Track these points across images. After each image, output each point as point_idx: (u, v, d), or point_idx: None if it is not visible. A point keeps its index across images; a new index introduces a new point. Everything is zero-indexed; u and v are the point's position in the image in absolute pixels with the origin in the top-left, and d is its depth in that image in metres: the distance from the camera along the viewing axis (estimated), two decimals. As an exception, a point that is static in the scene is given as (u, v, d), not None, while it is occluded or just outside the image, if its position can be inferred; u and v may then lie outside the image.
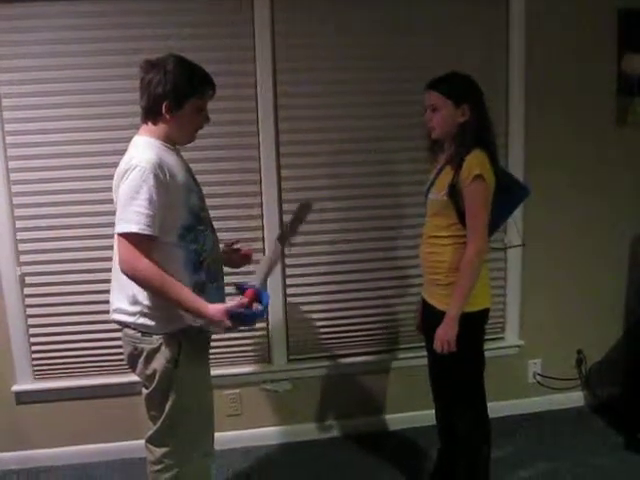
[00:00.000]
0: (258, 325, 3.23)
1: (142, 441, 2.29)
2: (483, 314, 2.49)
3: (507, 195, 2.47)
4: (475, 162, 2.32)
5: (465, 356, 2.44)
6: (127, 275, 2.03)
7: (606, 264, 3.52)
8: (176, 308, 2.07)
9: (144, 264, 2.00)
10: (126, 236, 2.00)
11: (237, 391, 3.30)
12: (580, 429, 3.42)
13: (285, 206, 3.17)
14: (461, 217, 2.38)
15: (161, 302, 2.08)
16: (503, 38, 3.22)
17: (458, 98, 2.36)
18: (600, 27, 3.29)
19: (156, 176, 2.01)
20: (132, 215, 1.98)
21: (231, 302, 2.09)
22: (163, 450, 2.22)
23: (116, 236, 2.05)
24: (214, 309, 2.04)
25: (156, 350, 2.13)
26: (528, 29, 3.20)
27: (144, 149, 2.07)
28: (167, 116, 2.10)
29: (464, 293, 2.36)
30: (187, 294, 2.05)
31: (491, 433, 2.56)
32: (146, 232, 1.99)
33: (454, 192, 2.36)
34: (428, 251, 2.53)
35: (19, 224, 3.00)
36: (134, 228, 1.98)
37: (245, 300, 2.09)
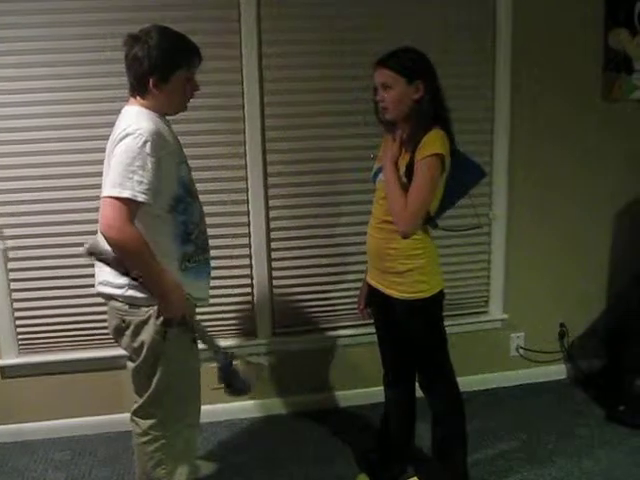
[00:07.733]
0: (243, 299, 3.27)
1: (127, 414, 2.30)
2: (439, 296, 2.42)
3: (463, 175, 2.37)
4: (434, 141, 2.20)
5: (430, 339, 2.46)
6: (109, 239, 1.96)
7: (589, 238, 3.55)
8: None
9: (131, 230, 1.95)
10: (117, 200, 1.94)
11: (222, 364, 3.30)
12: (562, 401, 3.46)
13: (270, 180, 3.16)
14: None
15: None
16: (490, 7, 3.19)
17: (411, 74, 2.21)
18: (587, 1, 3.27)
19: (153, 144, 1.98)
20: (126, 181, 1.94)
21: None
22: (150, 422, 2.23)
23: (103, 200, 1.98)
24: (178, 300, 2.09)
25: (144, 322, 2.12)
26: (515, 1, 3.17)
27: (139, 117, 2.04)
28: (155, 91, 2.06)
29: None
30: (163, 272, 2.05)
31: (464, 406, 2.57)
32: (139, 199, 1.95)
33: (411, 173, 2.23)
34: (379, 237, 2.39)
35: (1, 197, 2.96)
36: (127, 193, 1.93)
37: None
